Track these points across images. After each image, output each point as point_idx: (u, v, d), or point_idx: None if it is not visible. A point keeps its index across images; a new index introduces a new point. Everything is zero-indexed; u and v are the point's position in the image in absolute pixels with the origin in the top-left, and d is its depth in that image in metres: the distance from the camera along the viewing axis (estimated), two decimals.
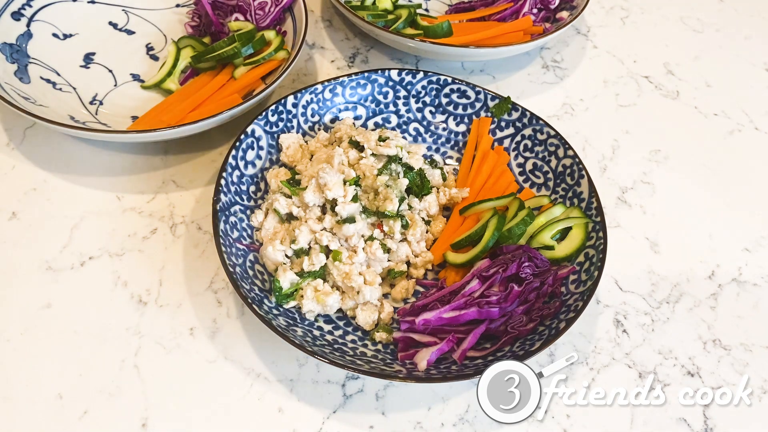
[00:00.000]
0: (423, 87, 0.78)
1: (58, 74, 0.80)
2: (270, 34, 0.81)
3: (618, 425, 0.60)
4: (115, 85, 0.82)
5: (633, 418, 0.60)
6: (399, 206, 0.65)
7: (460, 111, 0.78)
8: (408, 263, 0.67)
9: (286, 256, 0.63)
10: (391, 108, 0.78)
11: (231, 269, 0.58)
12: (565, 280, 0.63)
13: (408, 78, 0.78)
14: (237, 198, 0.66)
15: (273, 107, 0.71)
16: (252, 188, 0.68)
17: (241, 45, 0.78)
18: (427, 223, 0.70)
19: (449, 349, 0.57)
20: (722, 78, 0.97)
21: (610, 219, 0.76)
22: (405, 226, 0.66)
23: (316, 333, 0.60)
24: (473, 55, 0.86)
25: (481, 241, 0.65)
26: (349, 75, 0.76)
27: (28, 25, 0.82)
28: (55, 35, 0.84)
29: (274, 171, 0.69)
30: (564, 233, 0.66)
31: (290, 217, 0.65)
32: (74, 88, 0.80)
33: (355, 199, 0.63)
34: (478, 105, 0.78)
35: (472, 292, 0.60)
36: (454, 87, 0.78)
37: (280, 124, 0.72)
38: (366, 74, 0.77)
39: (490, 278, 0.60)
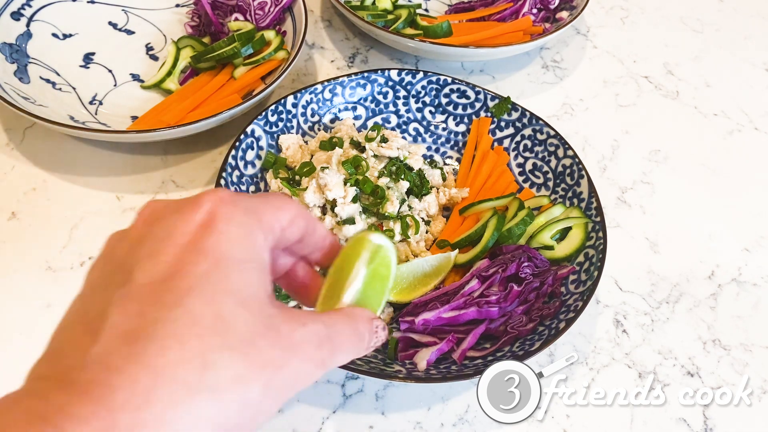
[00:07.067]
0: (423, 87, 0.78)
1: (58, 74, 0.80)
2: (270, 34, 0.81)
3: (618, 425, 0.60)
4: (115, 85, 0.82)
5: (633, 418, 0.60)
6: (399, 208, 0.65)
7: (459, 111, 0.78)
8: None
9: None
10: (391, 108, 0.78)
11: None
12: (565, 280, 0.63)
13: (408, 78, 0.78)
14: None
15: (273, 107, 0.71)
16: (252, 188, 0.68)
17: (240, 45, 0.78)
18: (427, 223, 0.70)
19: (449, 349, 0.57)
20: (722, 78, 0.97)
21: (610, 219, 0.76)
22: (405, 227, 0.66)
23: None
24: (473, 55, 0.86)
25: (480, 241, 0.65)
26: (348, 75, 0.76)
27: (27, 25, 0.82)
28: (54, 35, 0.84)
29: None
30: (564, 233, 0.66)
31: None
32: (74, 88, 0.80)
33: (355, 199, 0.63)
34: (477, 105, 0.78)
35: (472, 292, 0.60)
36: (454, 87, 0.78)
37: (280, 124, 0.72)
38: (366, 74, 0.77)
39: (490, 278, 0.60)
